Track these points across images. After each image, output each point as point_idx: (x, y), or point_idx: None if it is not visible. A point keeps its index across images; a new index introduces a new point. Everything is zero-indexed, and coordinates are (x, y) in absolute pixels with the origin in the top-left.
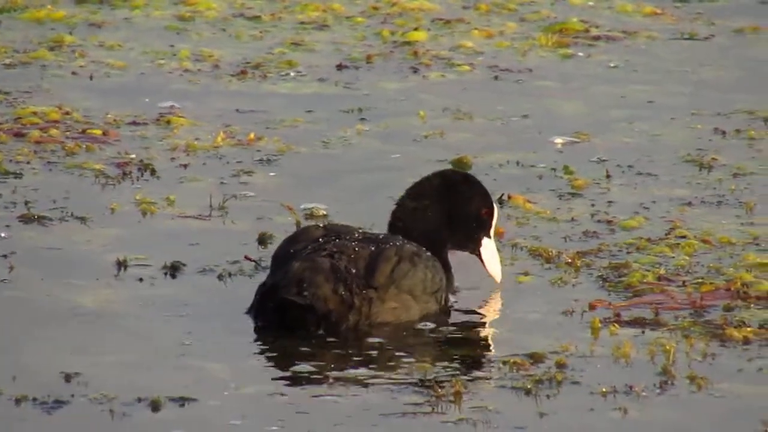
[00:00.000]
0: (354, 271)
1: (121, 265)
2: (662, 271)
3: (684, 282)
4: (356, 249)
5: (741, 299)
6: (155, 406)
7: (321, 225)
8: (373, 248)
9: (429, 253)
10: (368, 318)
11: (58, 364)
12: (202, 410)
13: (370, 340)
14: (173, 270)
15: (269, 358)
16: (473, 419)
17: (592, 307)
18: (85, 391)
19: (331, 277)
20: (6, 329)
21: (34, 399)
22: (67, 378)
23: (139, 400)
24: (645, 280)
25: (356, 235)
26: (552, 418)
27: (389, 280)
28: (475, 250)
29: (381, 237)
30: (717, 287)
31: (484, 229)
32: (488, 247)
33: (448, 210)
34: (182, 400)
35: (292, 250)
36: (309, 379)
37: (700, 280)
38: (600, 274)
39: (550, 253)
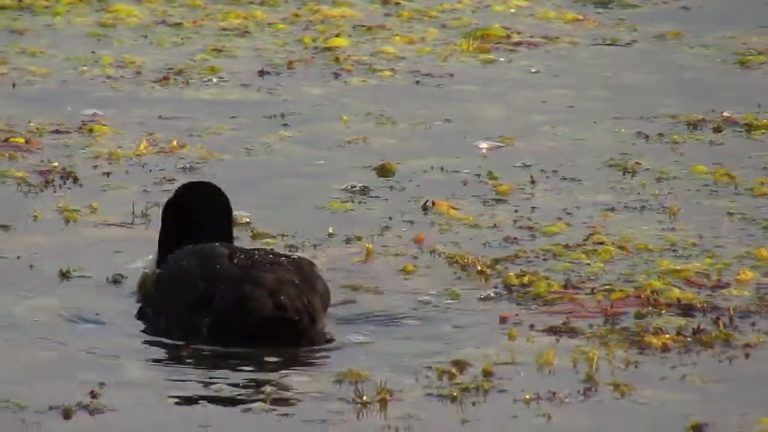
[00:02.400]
0: (298, 282)
1: (64, 275)
2: (561, 285)
3: (592, 290)
4: (279, 261)
5: (651, 306)
6: (67, 414)
7: (216, 244)
8: (287, 261)
9: None
10: (317, 331)
11: None
12: (117, 418)
13: (299, 348)
14: (115, 282)
15: (195, 367)
16: (396, 426)
17: (502, 319)
18: None
19: (297, 289)
20: None
21: None
22: None
23: (51, 408)
24: (552, 290)
25: (258, 250)
26: (474, 425)
27: (319, 295)
28: None
29: (271, 250)
30: (627, 294)
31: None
32: None
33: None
34: (96, 409)
35: (218, 266)
36: (233, 387)
37: (608, 287)
38: (510, 283)
39: (466, 261)
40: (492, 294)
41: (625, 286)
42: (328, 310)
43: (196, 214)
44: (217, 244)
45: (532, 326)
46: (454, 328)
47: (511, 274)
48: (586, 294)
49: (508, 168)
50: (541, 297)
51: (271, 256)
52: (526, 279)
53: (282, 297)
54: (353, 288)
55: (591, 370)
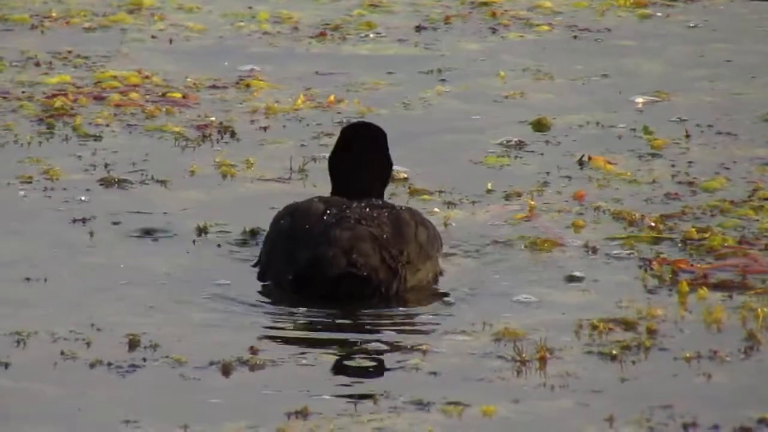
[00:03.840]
0: (385, 236)
1: (201, 231)
2: (736, 240)
3: (766, 245)
4: (374, 215)
5: None
6: (226, 370)
7: (315, 198)
8: (386, 213)
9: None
10: (404, 284)
11: (131, 329)
12: (277, 374)
13: (446, 305)
14: (252, 235)
15: (345, 325)
16: (552, 384)
17: (675, 268)
18: (158, 355)
19: (375, 245)
20: (82, 293)
21: (108, 363)
22: (140, 342)
23: (211, 363)
24: (726, 244)
25: (358, 203)
26: (632, 383)
27: (417, 245)
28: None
29: (380, 202)
30: None
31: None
32: None
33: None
34: (256, 364)
35: (307, 226)
36: (389, 345)
37: None
38: (682, 237)
39: (633, 217)
40: (665, 249)
41: None
42: (439, 253)
43: (346, 155)
44: (316, 199)
45: (704, 280)
46: (624, 285)
47: (692, 228)
48: (760, 250)
49: (663, 123)
50: (715, 251)
51: (368, 210)
52: (707, 234)
53: (354, 255)
54: (522, 243)
55: (756, 328)
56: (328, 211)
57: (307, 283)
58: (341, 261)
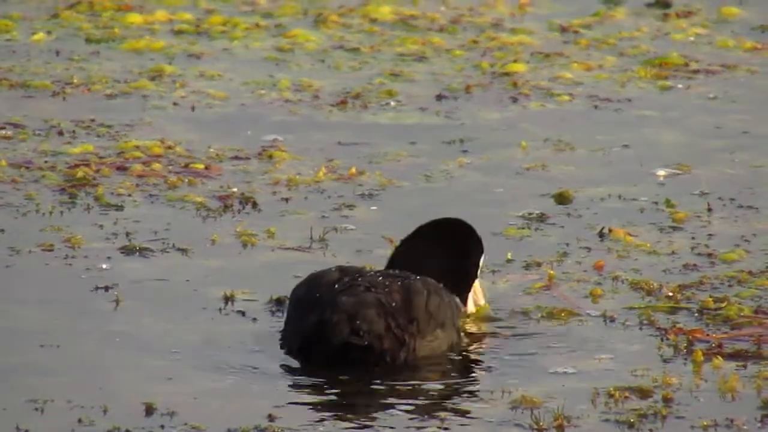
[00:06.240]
0: (393, 304)
1: (227, 299)
2: (752, 310)
3: None
4: (386, 283)
5: None
6: None
7: (333, 268)
8: (399, 282)
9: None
10: (413, 353)
11: (150, 395)
12: None
13: (464, 373)
14: (278, 303)
15: (363, 393)
16: None
17: (691, 338)
18: (175, 422)
19: (381, 312)
20: (101, 361)
21: (126, 430)
22: (158, 409)
23: (228, 431)
24: (742, 313)
25: (373, 272)
26: None
27: (426, 314)
28: (464, 293)
29: (396, 272)
30: None
31: (476, 274)
32: (476, 289)
33: (448, 257)
34: None
35: (318, 294)
36: (408, 413)
37: None
38: (698, 307)
39: (651, 286)
40: (682, 318)
41: None
42: (456, 324)
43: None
44: (334, 268)
45: (719, 350)
46: (639, 353)
47: (709, 298)
48: None
49: (685, 195)
50: (731, 320)
51: (380, 278)
52: (723, 304)
53: (358, 321)
54: (539, 312)
55: None
56: (341, 279)
57: (311, 349)
58: (344, 328)
